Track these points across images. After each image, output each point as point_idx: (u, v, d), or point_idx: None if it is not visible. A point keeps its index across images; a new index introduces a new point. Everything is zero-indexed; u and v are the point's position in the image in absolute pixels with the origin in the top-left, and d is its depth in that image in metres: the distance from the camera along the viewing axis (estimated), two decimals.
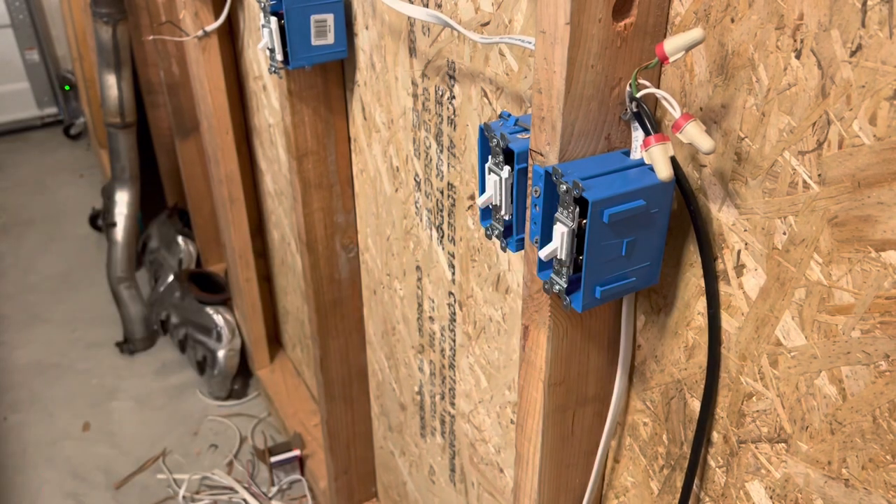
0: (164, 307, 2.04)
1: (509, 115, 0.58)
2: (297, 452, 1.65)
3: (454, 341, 0.95)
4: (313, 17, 0.90)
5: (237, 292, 1.81)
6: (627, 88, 0.48)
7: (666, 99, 0.46)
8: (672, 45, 0.44)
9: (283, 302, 1.79)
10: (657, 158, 0.46)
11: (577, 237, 0.49)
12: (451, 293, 0.92)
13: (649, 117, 0.48)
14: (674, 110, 0.46)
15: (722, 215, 0.50)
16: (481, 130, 0.57)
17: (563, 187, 0.48)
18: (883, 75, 0.38)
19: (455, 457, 1.05)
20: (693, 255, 0.54)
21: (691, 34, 0.43)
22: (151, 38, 1.63)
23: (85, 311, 2.27)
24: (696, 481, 0.59)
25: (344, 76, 1.05)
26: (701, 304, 0.54)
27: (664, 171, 0.46)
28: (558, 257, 0.50)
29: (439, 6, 0.75)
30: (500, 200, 0.57)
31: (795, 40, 0.42)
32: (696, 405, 0.57)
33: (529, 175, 0.52)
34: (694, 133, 0.44)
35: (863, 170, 0.40)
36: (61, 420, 1.88)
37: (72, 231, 2.70)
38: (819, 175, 0.43)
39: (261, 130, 1.50)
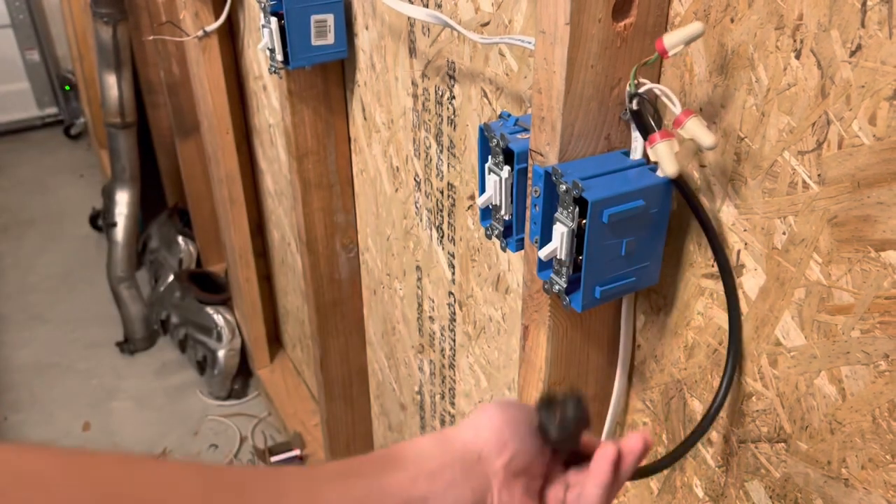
0: (165, 307, 2.04)
1: (509, 115, 0.58)
2: (297, 452, 1.65)
3: (454, 341, 0.95)
4: (313, 18, 0.90)
5: (237, 292, 1.81)
6: (627, 87, 0.48)
7: (666, 94, 0.46)
8: (671, 39, 0.44)
9: (283, 302, 1.79)
10: (663, 154, 0.46)
11: (577, 237, 0.49)
12: (451, 293, 0.92)
13: (651, 114, 0.48)
14: (674, 106, 0.46)
15: (722, 215, 0.50)
16: (481, 130, 0.57)
17: (563, 187, 0.48)
18: (882, 75, 0.38)
19: None
20: (693, 255, 0.54)
21: (690, 28, 0.43)
22: (152, 38, 1.62)
23: (85, 311, 2.27)
24: (696, 480, 0.59)
25: (344, 76, 1.05)
26: (700, 304, 0.54)
27: (671, 167, 0.46)
28: (558, 257, 0.50)
29: (439, 6, 0.75)
30: (500, 200, 0.57)
31: (795, 40, 0.42)
32: (695, 405, 0.57)
33: (529, 175, 0.52)
34: (695, 128, 0.44)
35: (862, 170, 0.40)
36: (61, 420, 1.88)
37: (72, 231, 2.70)
38: (819, 175, 0.43)
39: (261, 130, 1.50)
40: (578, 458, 0.45)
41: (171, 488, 0.33)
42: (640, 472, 0.53)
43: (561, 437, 0.42)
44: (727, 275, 0.49)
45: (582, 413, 0.42)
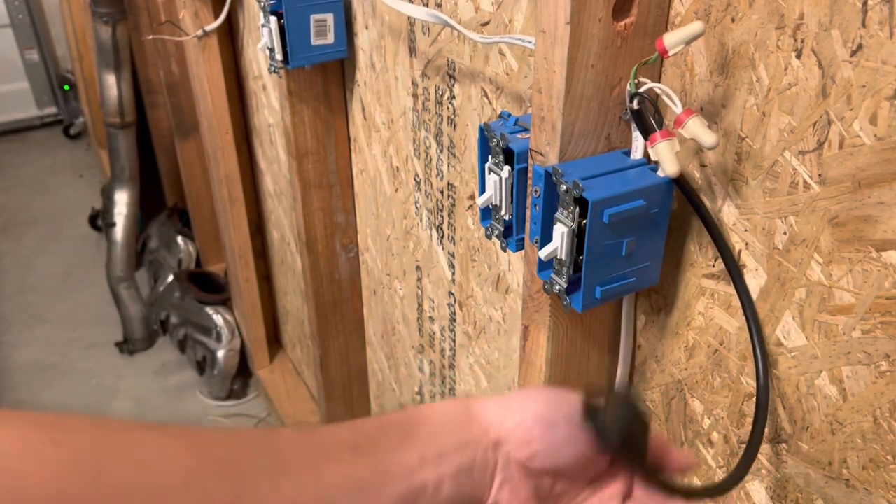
0: (164, 307, 2.03)
1: (509, 115, 0.58)
2: None
3: (454, 341, 0.95)
4: (313, 17, 0.90)
5: (237, 292, 1.80)
6: (628, 87, 0.48)
7: (666, 94, 0.46)
8: (672, 38, 0.44)
9: (282, 302, 1.79)
10: (664, 154, 0.46)
11: (577, 237, 0.49)
12: (451, 293, 0.92)
13: (652, 114, 0.48)
14: (675, 106, 0.46)
15: (722, 215, 0.50)
16: (481, 130, 0.57)
17: (563, 187, 0.48)
18: (883, 75, 0.38)
19: None
20: (693, 255, 0.53)
21: (691, 27, 0.43)
22: (151, 37, 1.62)
23: (85, 311, 2.27)
24: (697, 481, 0.59)
25: (344, 76, 1.05)
26: (701, 304, 0.54)
27: (672, 167, 0.46)
28: (558, 257, 0.50)
29: (439, 6, 0.75)
30: (500, 200, 0.57)
31: (796, 40, 0.42)
32: (696, 405, 0.57)
33: (529, 175, 0.52)
34: (696, 128, 0.44)
35: (863, 169, 0.40)
36: None
37: (71, 231, 2.70)
38: (819, 175, 0.43)
39: (261, 130, 1.50)
40: (652, 465, 0.40)
41: (156, 465, 0.30)
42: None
43: (609, 440, 0.37)
44: (735, 273, 0.49)
45: (635, 413, 0.38)
